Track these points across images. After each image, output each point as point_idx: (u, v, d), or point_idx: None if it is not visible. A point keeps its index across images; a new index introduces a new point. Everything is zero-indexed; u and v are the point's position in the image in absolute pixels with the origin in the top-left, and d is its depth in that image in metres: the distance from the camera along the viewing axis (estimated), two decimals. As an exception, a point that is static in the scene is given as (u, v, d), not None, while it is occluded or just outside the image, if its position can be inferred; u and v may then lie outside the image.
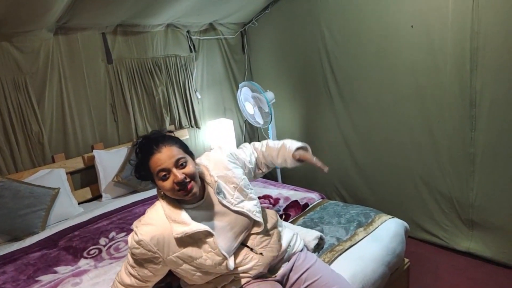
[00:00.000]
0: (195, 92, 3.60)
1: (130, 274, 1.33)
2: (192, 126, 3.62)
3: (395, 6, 2.63)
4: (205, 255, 1.27)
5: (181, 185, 1.22)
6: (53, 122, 2.73)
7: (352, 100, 3.11)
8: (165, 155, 1.22)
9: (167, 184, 1.23)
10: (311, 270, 1.48)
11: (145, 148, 1.26)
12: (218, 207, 1.35)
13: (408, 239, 2.11)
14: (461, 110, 2.47)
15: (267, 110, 3.21)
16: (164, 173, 1.22)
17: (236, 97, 3.89)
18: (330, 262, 1.70)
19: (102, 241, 2.12)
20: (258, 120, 3.38)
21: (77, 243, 2.10)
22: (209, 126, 3.68)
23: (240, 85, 3.36)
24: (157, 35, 3.26)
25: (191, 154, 1.33)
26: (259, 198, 2.49)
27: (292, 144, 1.59)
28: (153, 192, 2.82)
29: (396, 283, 1.95)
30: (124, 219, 2.35)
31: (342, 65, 3.10)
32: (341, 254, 1.78)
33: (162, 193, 1.31)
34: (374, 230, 1.98)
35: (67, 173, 2.72)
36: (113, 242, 2.10)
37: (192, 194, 1.24)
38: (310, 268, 1.49)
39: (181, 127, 3.53)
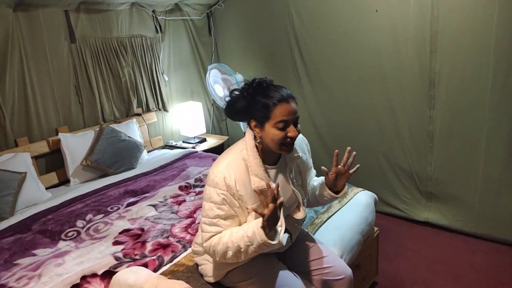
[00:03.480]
0: (162, 74, 3.55)
1: (214, 224, 1.33)
2: (159, 109, 3.56)
3: (361, -10, 2.75)
4: None
5: (292, 140, 1.29)
6: (15, 104, 2.58)
7: (319, 81, 3.22)
8: (293, 109, 1.28)
9: (280, 134, 1.26)
10: (306, 241, 1.62)
11: (274, 90, 1.28)
12: (282, 179, 1.41)
13: (374, 212, 2.28)
14: (421, 90, 2.66)
15: (237, 92, 3.23)
16: (283, 124, 1.26)
17: (203, 79, 3.88)
18: (312, 234, 1.80)
19: (79, 223, 2.07)
20: (228, 102, 3.40)
21: (52, 227, 2.04)
22: (177, 109, 3.65)
23: (209, 67, 3.36)
24: (121, 14, 3.16)
25: None
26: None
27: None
28: (124, 175, 2.77)
29: (368, 249, 2.10)
30: (99, 202, 2.31)
31: (310, 47, 3.19)
32: (320, 226, 1.90)
33: (256, 143, 1.34)
34: (348, 201, 2.11)
35: (31, 158, 2.60)
36: (91, 223, 2.06)
37: (291, 151, 1.33)
38: (306, 239, 1.64)
39: (148, 110, 3.47)
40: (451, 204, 2.73)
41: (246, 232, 1.24)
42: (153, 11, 3.40)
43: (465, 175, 2.61)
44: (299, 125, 1.32)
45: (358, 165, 1.44)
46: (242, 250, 1.25)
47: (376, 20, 2.73)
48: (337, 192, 1.47)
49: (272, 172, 1.39)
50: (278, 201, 1.19)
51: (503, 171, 2.43)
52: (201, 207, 2.11)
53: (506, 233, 2.50)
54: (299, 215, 1.46)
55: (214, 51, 3.98)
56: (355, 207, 2.07)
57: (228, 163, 1.33)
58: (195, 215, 2.04)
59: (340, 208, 2.05)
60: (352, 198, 2.14)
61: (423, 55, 2.58)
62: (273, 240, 1.21)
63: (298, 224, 1.53)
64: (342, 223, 1.93)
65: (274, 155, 1.39)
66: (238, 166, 1.32)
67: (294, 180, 1.44)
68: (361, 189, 2.26)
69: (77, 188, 2.60)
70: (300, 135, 1.50)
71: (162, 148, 3.54)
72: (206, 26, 3.90)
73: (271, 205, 1.17)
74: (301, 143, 1.52)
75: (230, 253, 1.27)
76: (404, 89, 2.74)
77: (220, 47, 3.98)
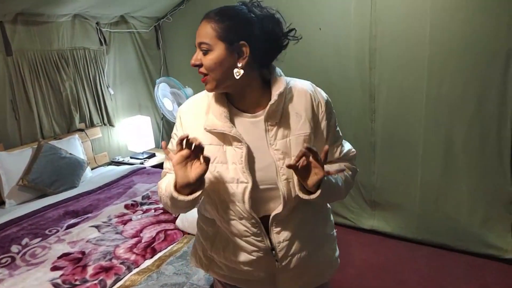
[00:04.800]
0: (107, 87, 3.43)
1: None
2: (105, 124, 3.43)
3: (305, 10, 2.85)
4: (230, 165, 1.05)
5: (203, 72, 1.02)
6: None
7: (268, 95, 3.27)
8: (201, 32, 1.00)
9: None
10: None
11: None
12: (261, 135, 1.06)
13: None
14: (363, 103, 2.79)
15: (186, 106, 3.20)
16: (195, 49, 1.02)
17: (152, 93, 3.81)
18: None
19: (14, 248, 1.93)
20: (177, 116, 3.35)
21: (-17, 254, 1.88)
22: (124, 124, 3.53)
23: (157, 81, 3.30)
24: (63, 26, 3.03)
25: (235, 40, 0.98)
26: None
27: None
28: (65, 195, 2.62)
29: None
30: (36, 224, 2.16)
31: (258, 62, 3.23)
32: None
33: None
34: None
35: (-40, 179, 2.40)
36: (28, 248, 1.92)
37: (208, 89, 1.03)
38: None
39: (92, 125, 3.33)
40: (393, 212, 2.86)
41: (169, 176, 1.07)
42: (97, 23, 3.30)
43: (405, 183, 2.76)
44: (209, 56, 0.99)
45: (343, 168, 1.08)
46: (164, 195, 1.04)
47: (321, 38, 2.84)
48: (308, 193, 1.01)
49: (245, 121, 1.07)
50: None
51: (440, 177, 2.60)
52: (148, 225, 2.07)
53: (445, 237, 2.65)
54: (264, 209, 1.08)
55: (162, 65, 3.92)
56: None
57: (195, 96, 1.14)
58: (141, 234, 1.98)
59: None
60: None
61: (363, 71, 2.71)
62: (182, 194, 0.97)
63: (283, 228, 1.09)
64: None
65: (252, 100, 1.06)
66: (201, 101, 1.11)
67: (276, 145, 1.05)
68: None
69: (13, 210, 2.42)
70: (308, 85, 1.14)
71: (108, 165, 3.41)
72: (154, 39, 3.84)
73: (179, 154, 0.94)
74: (305, 94, 1.09)
75: (162, 197, 1.07)
76: (349, 103, 2.86)
77: (169, 61, 3.93)
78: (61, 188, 2.71)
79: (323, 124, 1.10)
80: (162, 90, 3.29)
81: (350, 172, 1.15)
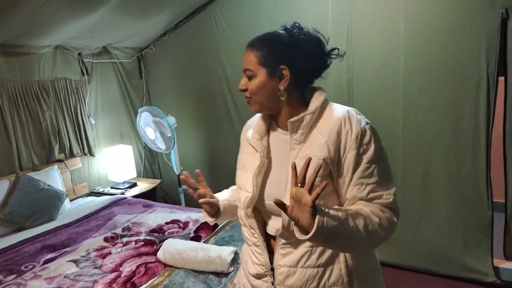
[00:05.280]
0: (89, 117, 3.41)
1: None
2: (85, 154, 3.39)
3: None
4: (248, 174, 1.13)
5: (248, 97, 1.09)
6: None
7: (250, 124, 3.31)
8: (245, 59, 1.08)
9: None
10: None
11: None
12: (287, 152, 1.09)
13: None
14: (343, 131, 2.85)
15: (169, 135, 3.21)
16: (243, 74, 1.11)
17: (134, 122, 3.80)
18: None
19: (-14, 287, 1.85)
20: (160, 145, 3.35)
21: (-47, 294, 1.80)
22: (105, 154, 3.50)
23: (140, 110, 3.31)
24: (44, 57, 3.03)
25: (275, 65, 1.04)
26: (167, 223, 2.47)
27: None
28: (43, 228, 2.55)
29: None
30: (12, 260, 2.09)
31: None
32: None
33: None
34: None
35: None
36: (1, 286, 1.85)
37: (254, 110, 1.13)
38: None
39: (72, 155, 3.28)
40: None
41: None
42: (79, 54, 3.32)
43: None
44: (254, 81, 1.06)
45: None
46: None
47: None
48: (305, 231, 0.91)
49: (280, 137, 1.13)
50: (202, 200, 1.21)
51: (420, 203, 2.65)
52: (128, 259, 2.02)
53: (427, 262, 2.68)
54: (273, 225, 1.11)
55: (145, 94, 3.94)
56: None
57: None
58: (121, 268, 1.93)
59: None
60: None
61: (342, 100, 2.78)
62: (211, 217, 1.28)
63: (289, 252, 1.06)
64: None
65: (289, 117, 1.07)
66: (258, 116, 1.19)
67: (297, 156, 1.06)
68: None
69: (-13, 246, 2.34)
70: (344, 111, 1.07)
71: (87, 196, 3.34)
72: (137, 69, 3.87)
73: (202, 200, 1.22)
74: (335, 118, 1.05)
75: None
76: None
77: (152, 90, 3.95)
78: (39, 221, 2.64)
79: (351, 153, 1.01)
80: (145, 119, 3.29)
81: (376, 219, 0.98)
